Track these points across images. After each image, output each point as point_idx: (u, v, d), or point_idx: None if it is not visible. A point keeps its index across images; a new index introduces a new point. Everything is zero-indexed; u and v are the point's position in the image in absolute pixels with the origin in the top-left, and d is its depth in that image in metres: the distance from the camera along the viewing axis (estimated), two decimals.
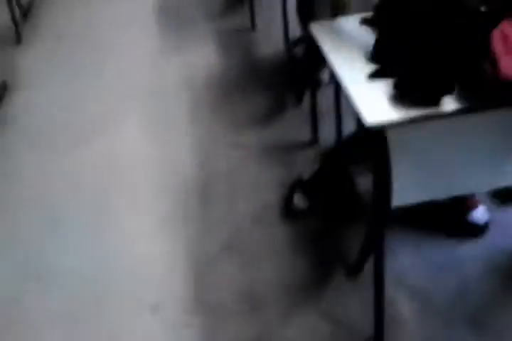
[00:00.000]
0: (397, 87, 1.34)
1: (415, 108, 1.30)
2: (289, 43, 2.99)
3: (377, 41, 1.48)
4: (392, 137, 1.33)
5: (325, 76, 2.66)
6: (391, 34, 1.44)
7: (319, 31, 1.68)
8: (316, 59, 2.02)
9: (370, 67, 1.44)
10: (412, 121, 1.31)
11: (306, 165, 2.30)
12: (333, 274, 1.90)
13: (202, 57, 3.13)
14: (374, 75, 1.42)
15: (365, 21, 1.62)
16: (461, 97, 1.30)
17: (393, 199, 1.44)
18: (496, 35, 1.25)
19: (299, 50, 2.88)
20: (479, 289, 1.80)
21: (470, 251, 1.90)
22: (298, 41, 2.89)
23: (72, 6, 3.80)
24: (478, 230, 1.97)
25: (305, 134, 2.48)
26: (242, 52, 3.16)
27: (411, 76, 1.33)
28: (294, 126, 2.57)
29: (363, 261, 1.83)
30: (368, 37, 1.54)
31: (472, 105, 1.29)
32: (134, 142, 2.59)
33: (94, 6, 3.76)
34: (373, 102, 1.36)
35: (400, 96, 1.32)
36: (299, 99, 2.70)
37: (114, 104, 2.84)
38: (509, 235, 1.96)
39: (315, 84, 2.51)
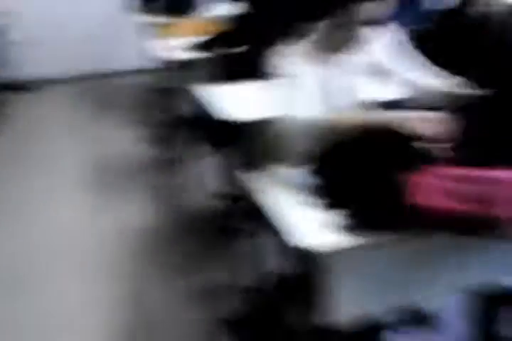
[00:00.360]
0: (351, 216, 1.47)
1: (367, 234, 1.44)
2: (220, 195, 3.06)
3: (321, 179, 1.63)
4: (336, 262, 1.45)
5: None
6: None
7: (254, 180, 1.80)
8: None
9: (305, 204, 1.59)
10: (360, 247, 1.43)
11: (236, 305, 2.37)
12: None
13: (134, 211, 3.21)
14: (328, 206, 1.56)
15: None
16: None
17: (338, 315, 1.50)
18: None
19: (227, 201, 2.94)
20: None
21: None
22: (228, 193, 2.93)
23: None
24: None
25: (237, 276, 2.54)
26: (174, 205, 3.28)
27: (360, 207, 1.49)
28: (225, 268, 2.65)
29: None
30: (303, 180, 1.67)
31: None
32: (67, 299, 2.56)
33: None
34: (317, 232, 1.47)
35: (353, 225, 1.46)
36: (229, 244, 2.73)
37: (46, 261, 2.82)
38: None
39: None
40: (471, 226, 1.37)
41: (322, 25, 1.75)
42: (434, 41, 1.80)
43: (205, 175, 3.30)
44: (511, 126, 1.53)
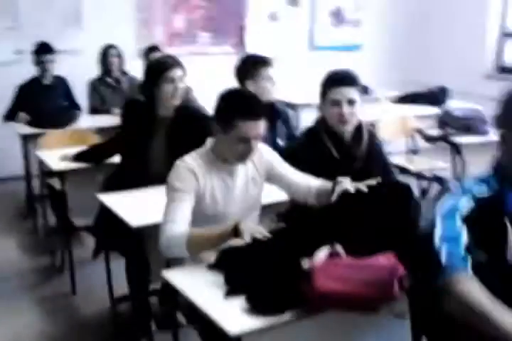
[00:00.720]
0: (252, 303, 1.72)
1: (266, 316, 1.69)
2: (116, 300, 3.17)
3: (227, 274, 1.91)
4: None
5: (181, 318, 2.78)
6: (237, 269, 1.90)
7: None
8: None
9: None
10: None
11: None
12: None
13: (23, 326, 3.16)
14: (228, 294, 1.82)
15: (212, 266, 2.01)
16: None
17: None
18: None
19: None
20: None
21: None
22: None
23: None
24: None
25: None
26: (65, 316, 3.28)
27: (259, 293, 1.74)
28: None
29: None
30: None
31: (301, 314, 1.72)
32: None
33: None
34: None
35: (255, 309, 1.71)
36: None
37: None
38: None
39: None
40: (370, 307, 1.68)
41: None
42: None
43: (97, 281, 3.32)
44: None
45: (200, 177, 2.18)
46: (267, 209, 2.50)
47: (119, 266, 2.90)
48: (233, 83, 3.34)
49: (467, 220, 1.59)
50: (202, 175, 2.19)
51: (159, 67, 2.91)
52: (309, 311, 1.72)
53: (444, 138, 4.08)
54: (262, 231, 1.90)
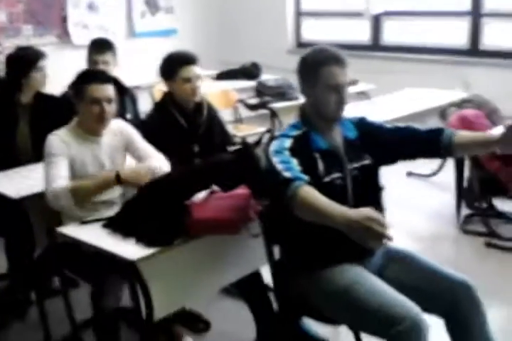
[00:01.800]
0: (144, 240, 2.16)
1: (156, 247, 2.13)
2: None
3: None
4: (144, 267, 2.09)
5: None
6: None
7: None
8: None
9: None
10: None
11: None
12: None
13: None
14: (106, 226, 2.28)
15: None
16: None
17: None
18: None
19: None
20: None
21: None
22: None
23: None
24: None
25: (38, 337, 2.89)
26: None
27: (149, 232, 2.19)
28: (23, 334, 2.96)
29: None
30: None
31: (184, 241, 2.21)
32: None
33: None
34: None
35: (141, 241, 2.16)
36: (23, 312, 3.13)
37: None
38: None
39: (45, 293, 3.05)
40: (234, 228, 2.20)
41: None
42: None
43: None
44: None
45: (71, 148, 2.56)
46: None
47: None
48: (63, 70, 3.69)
49: (291, 152, 2.12)
50: (72, 146, 2.57)
51: (28, 57, 3.19)
52: (190, 237, 2.21)
53: (263, 105, 4.72)
54: (141, 178, 2.36)
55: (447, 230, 3.98)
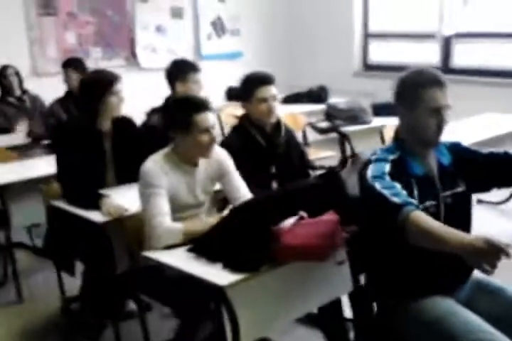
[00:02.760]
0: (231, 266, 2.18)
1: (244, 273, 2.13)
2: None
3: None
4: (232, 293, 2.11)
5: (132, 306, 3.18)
6: None
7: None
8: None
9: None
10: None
11: None
12: None
13: None
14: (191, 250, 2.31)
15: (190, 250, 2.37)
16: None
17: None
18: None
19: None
20: None
21: None
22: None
23: None
24: None
25: None
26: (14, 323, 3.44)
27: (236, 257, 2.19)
28: None
29: None
30: None
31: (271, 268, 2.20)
32: None
33: None
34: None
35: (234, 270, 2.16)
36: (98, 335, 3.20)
37: None
38: None
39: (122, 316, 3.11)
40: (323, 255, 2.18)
41: None
42: None
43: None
44: None
45: (167, 176, 2.57)
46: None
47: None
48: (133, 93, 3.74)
49: (390, 177, 2.11)
50: (168, 174, 2.58)
51: (104, 81, 3.09)
52: (277, 264, 2.21)
53: (334, 129, 4.72)
54: None
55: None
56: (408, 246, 2.04)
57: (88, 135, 3.12)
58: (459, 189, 2.23)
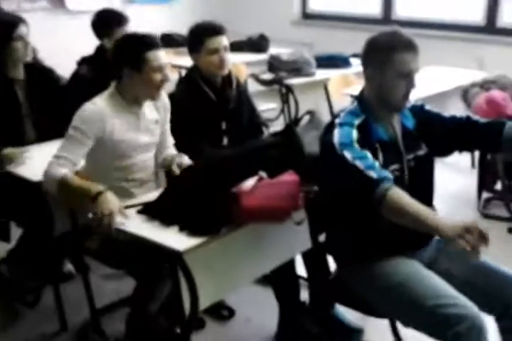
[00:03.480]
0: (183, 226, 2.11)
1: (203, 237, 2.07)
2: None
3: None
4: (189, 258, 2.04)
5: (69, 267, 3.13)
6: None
7: None
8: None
9: None
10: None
11: None
12: None
13: None
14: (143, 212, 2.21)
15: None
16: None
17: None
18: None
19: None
20: None
21: None
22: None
23: None
24: None
25: (54, 326, 2.87)
26: None
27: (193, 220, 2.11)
28: (38, 323, 2.92)
29: None
30: None
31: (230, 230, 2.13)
32: None
33: None
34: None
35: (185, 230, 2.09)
36: (36, 299, 3.07)
37: None
38: None
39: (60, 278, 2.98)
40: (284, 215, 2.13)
41: None
42: None
43: None
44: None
45: (108, 118, 2.43)
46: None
47: None
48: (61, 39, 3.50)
49: (359, 144, 2.05)
50: (109, 116, 2.44)
51: (4, 25, 2.87)
52: (236, 226, 2.14)
53: (278, 81, 4.62)
54: (115, 209, 2.19)
55: (467, 214, 3.97)
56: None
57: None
58: (422, 152, 2.21)
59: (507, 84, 3.95)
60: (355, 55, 4.99)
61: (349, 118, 2.14)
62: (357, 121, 2.13)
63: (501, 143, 2.16)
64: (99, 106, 2.44)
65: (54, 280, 2.90)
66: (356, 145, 2.04)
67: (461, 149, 2.31)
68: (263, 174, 2.21)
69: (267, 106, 4.96)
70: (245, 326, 2.88)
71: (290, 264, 2.58)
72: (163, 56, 2.46)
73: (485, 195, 4.10)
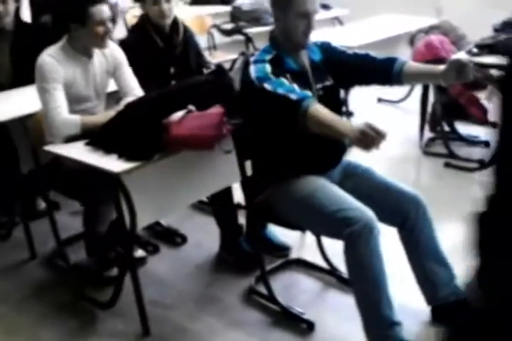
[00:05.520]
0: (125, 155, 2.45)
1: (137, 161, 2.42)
2: None
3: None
4: (127, 180, 2.39)
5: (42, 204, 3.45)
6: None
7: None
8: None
9: None
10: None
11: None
12: None
13: None
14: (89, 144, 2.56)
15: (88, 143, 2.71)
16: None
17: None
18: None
19: None
20: None
21: None
22: None
23: None
24: None
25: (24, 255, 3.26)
26: None
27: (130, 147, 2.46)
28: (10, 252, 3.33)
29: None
30: None
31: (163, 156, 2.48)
32: None
33: None
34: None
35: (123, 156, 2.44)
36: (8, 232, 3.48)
37: None
38: None
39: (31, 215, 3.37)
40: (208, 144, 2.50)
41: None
42: None
43: None
44: None
45: (62, 66, 2.77)
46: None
47: None
48: None
49: (274, 75, 2.39)
50: (64, 65, 2.78)
51: None
52: (168, 153, 2.50)
53: (237, 31, 4.92)
54: None
55: (411, 152, 4.40)
56: (287, 134, 2.42)
57: None
58: (328, 83, 2.56)
59: (449, 29, 4.25)
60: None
61: (261, 56, 2.47)
62: (268, 57, 2.46)
63: (391, 77, 2.50)
64: (54, 56, 2.77)
65: (24, 216, 3.30)
66: (272, 76, 2.38)
67: (360, 82, 2.66)
68: (192, 108, 2.55)
69: (232, 57, 5.26)
70: (196, 250, 3.29)
71: (227, 192, 2.99)
72: (106, 10, 2.77)
73: (430, 135, 4.49)
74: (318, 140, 2.39)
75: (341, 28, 5.17)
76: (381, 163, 4.03)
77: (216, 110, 2.56)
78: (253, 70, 2.41)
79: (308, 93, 2.35)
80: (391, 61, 2.51)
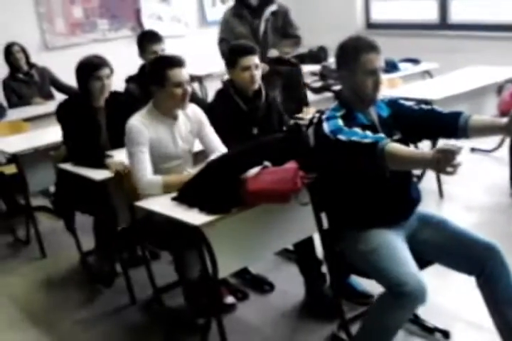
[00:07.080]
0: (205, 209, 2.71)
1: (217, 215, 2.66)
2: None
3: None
4: (208, 232, 2.64)
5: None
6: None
7: None
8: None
9: None
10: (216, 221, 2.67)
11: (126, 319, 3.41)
12: None
13: None
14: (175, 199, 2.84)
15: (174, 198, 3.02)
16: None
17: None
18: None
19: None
20: None
21: None
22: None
23: None
24: None
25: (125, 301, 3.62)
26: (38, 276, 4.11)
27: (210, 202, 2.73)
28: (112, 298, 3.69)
29: None
30: None
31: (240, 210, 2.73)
32: None
33: None
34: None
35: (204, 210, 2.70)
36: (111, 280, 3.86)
37: None
38: None
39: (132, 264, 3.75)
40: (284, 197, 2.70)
41: None
42: None
43: None
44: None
45: (150, 130, 3.09)
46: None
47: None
48: (134, 63, 4.28)
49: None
50: (150, 128, 3.09)
51: (88, 66, 3.62)
52: (245, 207, 2.73)
53: (326, 88, 5.16)
54: None
55: (501, 201, 4.43)
56: (360, 186, 2.59)
57: (83, 111, 3.69)
58: (397, 137, 2.69)
59: None
60: (405, 60, 5.46)
61: (333, 113, 2.66)
62: (340, 113, 2.64)
63: (457, 131, 2.61)
64: (140, 120, 3.10)
65: (124, 265, 3.64)
66: (345, 128, 2.54)
67: (427, 136, 2.79)
68: (268, 163, 2.78)
69: None
70: (283, 297, 3.49)
71: (308, 242, 3.17)
72: (184, 73, 3.09)
73: None
74: (389, 192, 2.53)
75: (430, 81, 5.29)
76: (472, 213, 4.19)
77: (290, 165, 2.77)
78: (326, 126, 2.58)
79: (382, 135, 2.48)
80: (456, 115, 2.62)
